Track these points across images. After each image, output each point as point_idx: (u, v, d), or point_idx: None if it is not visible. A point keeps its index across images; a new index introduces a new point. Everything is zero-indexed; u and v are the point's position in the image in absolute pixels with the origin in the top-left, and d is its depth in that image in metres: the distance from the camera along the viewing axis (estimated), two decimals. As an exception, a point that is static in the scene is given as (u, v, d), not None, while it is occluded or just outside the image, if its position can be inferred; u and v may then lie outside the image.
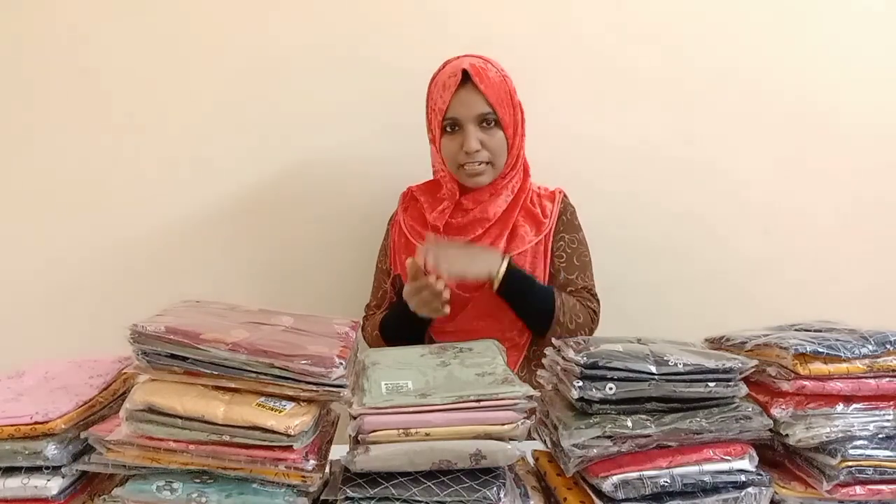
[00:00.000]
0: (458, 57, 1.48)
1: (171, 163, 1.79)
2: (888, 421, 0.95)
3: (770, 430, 0.95)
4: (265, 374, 0.89)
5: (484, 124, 1.45)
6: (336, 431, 1.03)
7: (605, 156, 1.81)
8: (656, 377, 0.91)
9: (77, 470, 0.93)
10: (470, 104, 1.43)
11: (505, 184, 1.50)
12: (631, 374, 0.92)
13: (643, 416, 0.92)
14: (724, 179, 1.84)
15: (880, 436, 0.94)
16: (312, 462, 0.88)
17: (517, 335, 1.48)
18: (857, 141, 1.85)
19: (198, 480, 0.89)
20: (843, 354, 0.95)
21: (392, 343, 1.46)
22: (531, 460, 1.11)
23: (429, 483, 0.87)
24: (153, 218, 1.80)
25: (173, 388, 0.89)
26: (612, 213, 1.80)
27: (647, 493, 0.89)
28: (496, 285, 1.39)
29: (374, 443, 0.86)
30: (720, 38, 1.81)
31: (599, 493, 0.91)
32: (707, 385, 0.93)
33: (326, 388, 0.89)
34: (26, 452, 0.90)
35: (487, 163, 1.46)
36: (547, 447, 1.04)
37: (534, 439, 1.03)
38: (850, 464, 0.92)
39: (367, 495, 0.86)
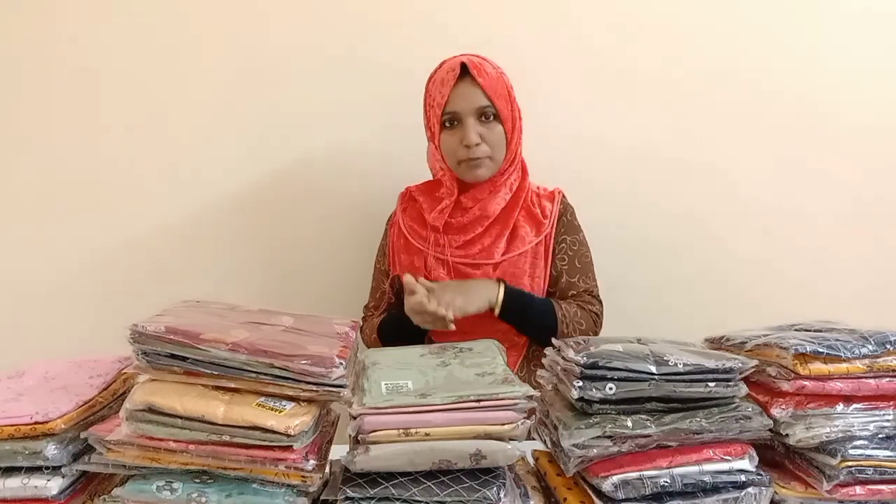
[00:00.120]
0: (455, 56, 1.49)
1: (170, 163, 1.79)
2: (888, 421, 0.95)
3: (770, 430, 0.95)
4: (265, 374, 0.89)
5: (482, 118, 1.45)
6: (336, 431, 1.03)
7: (604, 156, 1.81)
8: (656, 377, 0.91)
9: (77, 470, 0.93)
10: (469, 97, 1.44)
11: (503, 181, 1.51)
12: (631, 374, 0.91)
13: (643, 416, 0.91)
14: (724, 179, 1.84)
15: (880, 436, 0.94)
16: (312, 462, 0.88)
17: (516, 335, 1.48)
18: (857, 141, 1.85)
19: (198, 480, 0.89)
20: (843, 354, 0.95)
21: (391, 346, 1.46)
22: (531, 460, 1.11)
23: (429, 483, 0.87)
24: (153, 218, 1.80)
25: (173, 388, 0.89)
26: (612, 213, 1.80)
27: (647, 493, 0.89)
28: (497, 311, 1.41)
29: (374, 443, 0.86)
30: (720, 38, 1.81)
31: (599, 493, 0.91)
32: (707, 385, 0.93)
33: (326, 388, 0.89)
34: (26, 452, 0.90)
35: (487, 157, 1.46)
36: (547, 447, 1.04)
37: (534, 439, 1.03)
38: (850, 464, 0.92)
39: (367, 495, 0.86)
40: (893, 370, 0.96)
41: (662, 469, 0.91)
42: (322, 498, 0.91)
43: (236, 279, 1.82)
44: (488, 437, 0.87)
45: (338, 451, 0.96)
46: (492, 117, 1.46)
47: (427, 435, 0.86)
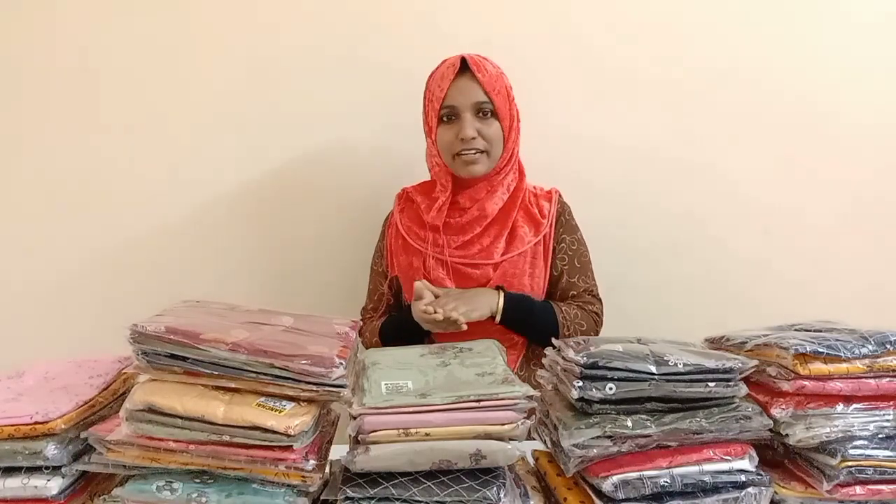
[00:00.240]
0: (457, 55, 1.49)
1: (171, 163, 1.79)
2: (888, 421, 0.95)
3: (770, 430, 0.95)
4: (265, 374, 0.89)
5: (480, 114, 1.46)
6: (336, 431, 1.03)
7: (604, 156, 1.81)
8: (656, 377, 0.91)
9: (77, 470, 0.93)
10: (467, 92, 1.45)
11: (500, 180, 1.51)
12: (631, 374, 0.91)
13: (643, 416, 0.92)
14: (724, 179, 1.84)
15: (880, 436, 0.94)
16: (312, 462, 0.88)
17: (516, 334, 1.48)
18: (857, 141, 1.85)
19: (198, 480, 0.89)
20: (843, 354, 0.95)
21: None
22: (531, 460, 1.11)
23: (429, 483, 0.87)
24: (153, 218, 1.80)
25: (173, 388, 0.89)
26: (611, 213, 1.80)
27: (647, 493, 0.89)
28: (498, 318, 1.42)
29: (374, 443, 0.86)
30: (720, 38, 1.81)
31: (599, 493, 0.91)
32: (707, 385, 0.93)
33: (326, 388, 0.89)
34: (26, 452, 0.90)
35: (483, 151, 1.46)
36: (547, 447, 1.04)
37: (534, 439, 1.03)
38: (850, 464, 0.92)
39: (367, 495, 0.86)
40: (893, 370, 0.96)
41: (662, 469, 0.91)
42: (322, 498, 0.91)
43: (236, 279, 1.82)
44: (488, 437, 0.87)
45: (338, 451, 0.96)
46: (489, 114, 1.46)
47: (427, 435, 0.86)
